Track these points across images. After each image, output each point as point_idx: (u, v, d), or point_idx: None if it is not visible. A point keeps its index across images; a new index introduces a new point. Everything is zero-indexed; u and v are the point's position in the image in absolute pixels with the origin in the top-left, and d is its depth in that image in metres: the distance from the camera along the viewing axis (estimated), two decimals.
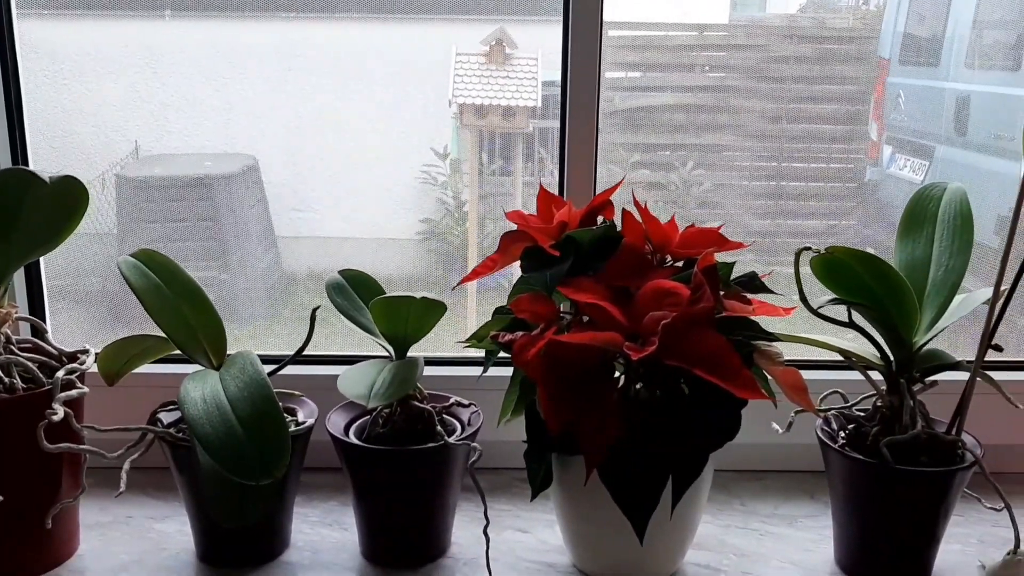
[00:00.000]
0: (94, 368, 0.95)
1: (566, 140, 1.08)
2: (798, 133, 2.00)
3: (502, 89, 2.07)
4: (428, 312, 0.91)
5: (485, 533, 0.89)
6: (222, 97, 1.71)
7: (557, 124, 2.12)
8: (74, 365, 0.92)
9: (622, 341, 0.80)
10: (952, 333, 0.96)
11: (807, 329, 0.99)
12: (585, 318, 0.87)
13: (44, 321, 1.15)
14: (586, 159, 1.07)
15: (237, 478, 0.81)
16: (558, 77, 2.08)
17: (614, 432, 0.79)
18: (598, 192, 1.08)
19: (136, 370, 0.98)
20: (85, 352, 0.97)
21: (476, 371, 0.97)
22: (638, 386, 0.86)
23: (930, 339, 0.91)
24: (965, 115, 2.19)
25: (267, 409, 0.84)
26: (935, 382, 0.93)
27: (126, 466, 0.88)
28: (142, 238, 1.70)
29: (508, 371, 0.95)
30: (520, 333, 0.86)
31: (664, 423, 0.82)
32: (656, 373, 0.86)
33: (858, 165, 2.17)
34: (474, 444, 0.92)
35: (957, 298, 0.92)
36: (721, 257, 0.88)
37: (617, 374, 0.88)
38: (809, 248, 0.85)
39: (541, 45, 2.07)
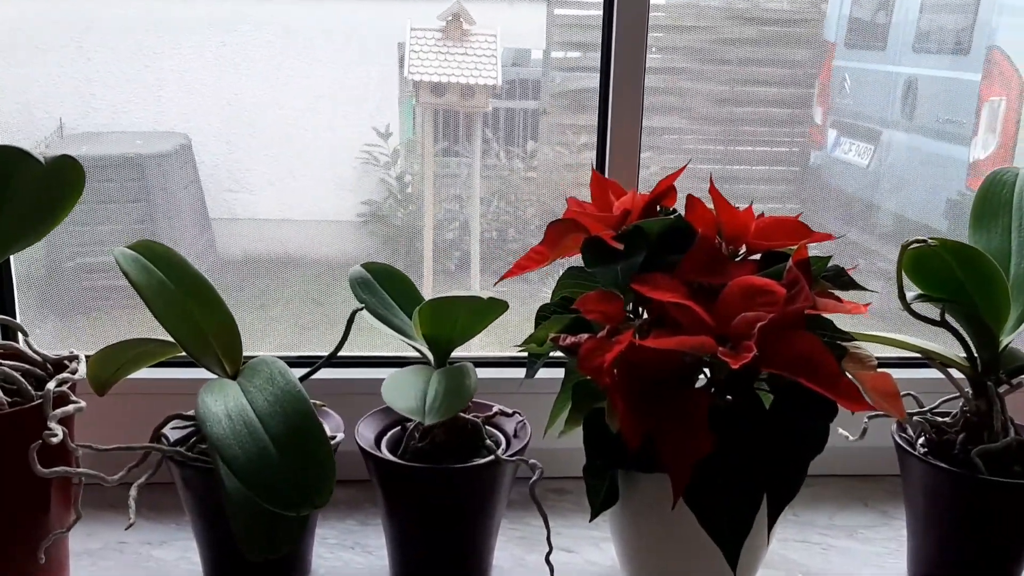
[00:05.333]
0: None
1: (608, 121, 0.98)
2: (744, 116, 1.97)
3: (460, 66, 2.00)
4: (485, 313, 0.81)
5: (548, 562, 0.80)
6: (153, 73, 1.63)
7: (517, 105, 2.06)
8: (65, 375, 0.80)
9: (715, 346, 0.71)
10: None
11: (867, 325, 0.92)
12: (650, 318, 0.78)
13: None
14: (630, 141, 0.98)
15: (274, 508, 0.70)
16: (516, 53, 2.02)
17: (707, 447, 0.70)
18: (643, 184, 0.99)
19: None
20: (74, 359, 0.84)
21: (507, 372, 0.88)
22: (727, 396, 0.77)
23: (1014, 338, 0.85)
24: (912, 99, 2.18)
25: (305, 426, 0.73)
26: (1021, 384, 0.86)
27: (134, 492, 0.76)
28: (67, 220, 1.60)
29: (545, 374, 0.86)
30: (585, 336, 0.77)
31: (762, 435, 0.74)
32: (736, 380, 0.78)
33: (803, 148, 2.16)
34: (532, 461, 0.82)
35: None
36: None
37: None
38: (923, 241, 0.77)
39: (499, 21, 2.02)
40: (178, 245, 1.75)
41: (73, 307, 1.54)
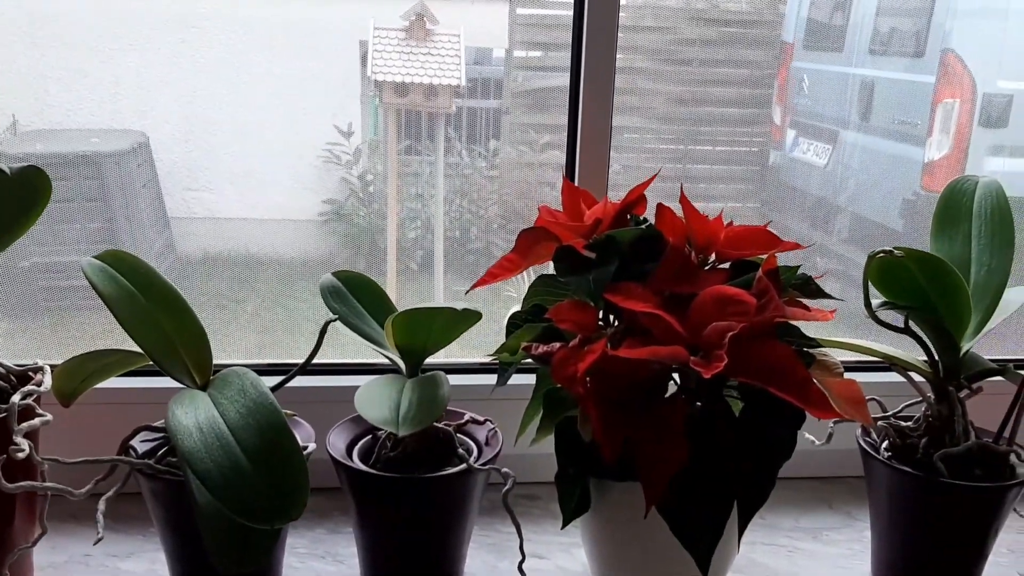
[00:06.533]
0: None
1: (578, 125, 0.98)
2: (703, 116, 1.99)
3: (424, 66, 1.98)
4: (459, 323, 0.81)
5: (521, 571, 0.80)
6: (110, 69, 1.60)
7: (479, 104, 2.07)
8: (30, 387, 0.78)
9: (687, 356, 0.72)
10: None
11: (829, 329, 0.93)
12: (622, 327, 0.79)
13: None
14: (600, 145, 0.98)
15: (247, 521, 0.70)
16: (478, 52, 2.02)
17: (684, 459, 0.71)
18: (609, 184, 1.00)
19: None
20: (39, 370, 0.83)
21: (479, 380, 0.88)
22: (696, 403, 0.78)
23: (974, 343, 0.87)
24: (869, 100, 2.21)
25: (278, 439, 0.73)
26: (980, 388, 0.88)
27: (102, 506, 0.75)
28: None
29: (516, 380, 0.85)
30: (557, 345, 0.77)
31: (735, 443, 0.74)
32: (706, 387, 0.79)
33: (762, 149, 2.18)
34: (505, 469, 0.82)
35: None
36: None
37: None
38: (888, 251, 0.78)
39: (462, 20, 2.02)
40: (136, 244, 1.74)
41: (27, 308, 1.51)
